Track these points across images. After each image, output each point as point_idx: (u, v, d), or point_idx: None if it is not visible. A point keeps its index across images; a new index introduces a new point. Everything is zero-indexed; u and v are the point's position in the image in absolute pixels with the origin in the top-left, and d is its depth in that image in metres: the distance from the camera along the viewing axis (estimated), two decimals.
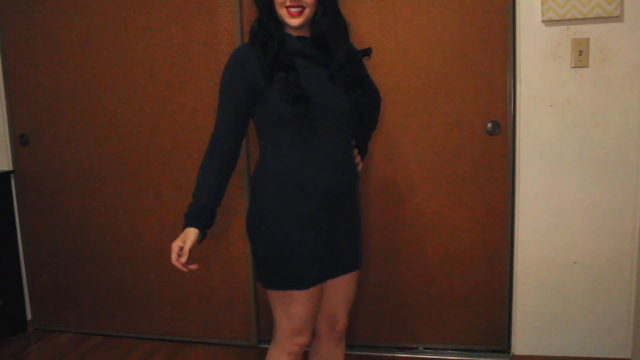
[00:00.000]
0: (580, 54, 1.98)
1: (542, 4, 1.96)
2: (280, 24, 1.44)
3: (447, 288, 2.23)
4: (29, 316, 2.71)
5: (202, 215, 1.45)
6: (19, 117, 2.55)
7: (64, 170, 2.52)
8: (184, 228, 1.47)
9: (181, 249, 1.41)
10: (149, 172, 2.41)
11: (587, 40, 1.97)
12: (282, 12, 1.41)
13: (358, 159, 1.66)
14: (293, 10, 1.39)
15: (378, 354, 2.31)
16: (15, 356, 2.42)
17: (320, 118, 1.41)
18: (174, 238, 2.53)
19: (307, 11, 1.41)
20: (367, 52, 1.59)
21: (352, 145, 1.57)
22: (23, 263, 2.67)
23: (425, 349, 2.31)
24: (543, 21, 1.99)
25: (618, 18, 1.93)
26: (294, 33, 1.46)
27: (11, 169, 2.60)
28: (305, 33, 1.48)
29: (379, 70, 2.14)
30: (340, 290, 1.58)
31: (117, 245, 2.51)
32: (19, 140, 2.56)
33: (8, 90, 2.53)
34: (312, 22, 1.46)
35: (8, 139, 2.58)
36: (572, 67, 2.00)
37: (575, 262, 2.10)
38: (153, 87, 2.34)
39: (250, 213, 1.50)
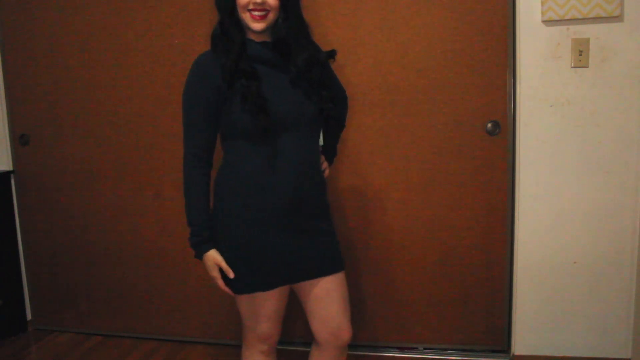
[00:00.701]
0: (580, 54, 1.98)
1: (542, 4, 1.96)
2: (242, 28, 1.43)
3: (447, 288, 2.23)
4: (29, 316, 2.71)
5: (210, 234, 1.46)
6: (19, 117, 2.55)
7: (64, 170, 2.52)
8: (201, 256, 1.47)
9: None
10: (149, 172, 2.41)
11: (587, 40, 1.97)
12: (245, 16, 1.39)
13: (325, 165, 1.66)
14: (256, 14, 1.38)
15: (378, 354, 2.31)
16: (15, 356, 2.42)
17: (282, 126, 1.41)
18: (174, 238, 2.55)
19: (270, 15, 1.40)
20: (332, 54, 1.56)
21: (317, 150, 1.55)
22: (23, 263, 2.67)
23: (425, 349, 2.31)
24: (543, 21, 1.99)
25: (618, 18, 1.93)
26: (256, 38, 1.45)
27: (11, 169, 2.60)
28: (267, 38, 1.46)
29: (379, 70, 2.15)
30: (328, 294, 1.55)
31: (117, 245, 2.51)
32: (19, 140, 2.56)
33: (8, 90, 2.54)
34: (273, 27, 1.44)
35: (8, 139, 2.58)
36: (572, 67, 2.00)
37: (575, 262, 2.10)
38: (153, 87, 2.34)
39: (213, 217, 1.49)
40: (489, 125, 2.11)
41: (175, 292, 2.48)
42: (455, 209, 2.17)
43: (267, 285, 1.47)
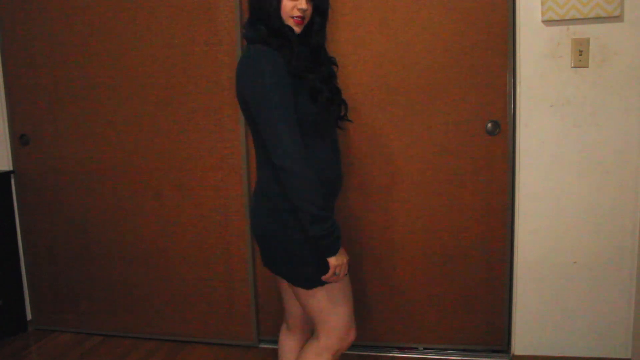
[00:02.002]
0: (580, 54, 1.98)
1: (542, 4, 1.96)
2: (293, 30, 1.47)
3: (447, 288, 2.23)
4: (29, 316, 2.71)
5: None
6: (19, 117, 2.55)
7: (64, 170, 2.52)
8: (337, 250, 1.43)
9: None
10: (149, 172, 2.41)
11: (587, 40, 1.97)
12: (290, 21, 1.45)
13: None
14: (298, 19, 1.45)
15: (378, 354, 2.31)
16: (15, 356, 2.42)
17: (333, 119, 1.53)
18: (174, 238, 2.56)
19: (305, 21, 1.48)
20: (334, 61, 1.62)
21: None
22: (23, 263, 2.67)
23: (425, 349, 2.31)
24: (543, 21, 1.99)
25: (618, 18, 1.93)
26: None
27: (11, 169, 2.60)
28: None
29: (379, 70, 2.15)
30: None
31: (117, 245, 2.51)
32: (19, 140, 2.56)
33: (8, 90, 2.54)
34: (310, 34, 1.51)
35: (8, 139, 2.58)
36: (572, 67, 2.00)
37: (575, 262, 2.10)
38: (153, 87, 2.34)
39: (279, 219, 1.46)
40: (489, 125, 2.11)
41: (175, 292, 2.48)
42: (455, 209, 2.17)
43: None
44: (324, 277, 1.44)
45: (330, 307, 1.52)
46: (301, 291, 1.51)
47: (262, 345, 2.43)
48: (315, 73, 1.45)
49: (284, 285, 1.66)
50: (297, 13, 1.43)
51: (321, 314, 1.53)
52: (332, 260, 1.43)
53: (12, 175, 2.60)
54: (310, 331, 1.73)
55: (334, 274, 1.44)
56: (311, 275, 1.47)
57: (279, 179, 1.40)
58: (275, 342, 1.79)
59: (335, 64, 1.61)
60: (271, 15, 1.43)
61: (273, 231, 1.48)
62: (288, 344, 1.72)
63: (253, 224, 1.56)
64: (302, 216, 1.39)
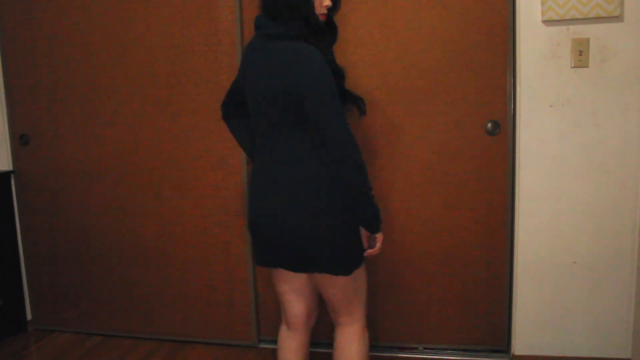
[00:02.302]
0: (580, 54, 1.98)
1: (542, 4, 1.96)
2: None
3: (447, 288, 2.23)
4: (29, 316, 2.71)
5: None
6: (19, 117, 2.55)
7: (64, 170, 2.52)
8: (381, 229, 1.56)
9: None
10: (149, 172, 2.41)
11: (587, 40, 1.97)
12: (320, 18, 1.51)
13: None
14: (324, 15, 1.55)
15: (378, 354, 2.31)
16: (15, 356, 2.42)
17: None
18: (174, 238, 2.55)
19: None
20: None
21: None
22: (23, 263, 2.67)
23: (425, 349, 2.31)
24: (543, 21, 1.99)
25: (618, 18, 1.93)
26: None
27: (11, 169, 2.60)
28: None
29: (378, 70, 2.15)
30: None
31: (117, 245, 2.51)
32: (19, 140, 2.56)
33: (8, 90, 2.54)
34: (332, 28, 1.59)
35: (8, 139, 2.58)
36: (572, 67, 2.00)
37: (575, 262, 2.10)
38: (153, 87, 2.34)
39: (333, 212, 1.49)
40: (489, 125, 2.11)
41: (175, 292, 2.48)
42: (455, 209, 2.17)
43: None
44: (369, 252, 1.57)
45: (365, 283, 1.67)
46: (342, 279, 1.55)
47: (262, 345, 2.43)
48: (344, 72, 1.54)
49: (287, 285, 1.66)
50: (324, 10, 1.51)
51: (360, 293, 1.66)
52: (380, 235, 1.56)
53: (12, 175, 2.60)
54: (311, 329, 1.74)
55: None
56: (356, 258, 1.57)
57: (338, 169, 1.45)
58: (275, 342, 1.78)
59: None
60: (309, 14, 1.47)
61: (323, 225, 1.49)
62: (290, 344, 1.71)
63: (291, 224, 1.50)
64: (360, 202, 1.49)
